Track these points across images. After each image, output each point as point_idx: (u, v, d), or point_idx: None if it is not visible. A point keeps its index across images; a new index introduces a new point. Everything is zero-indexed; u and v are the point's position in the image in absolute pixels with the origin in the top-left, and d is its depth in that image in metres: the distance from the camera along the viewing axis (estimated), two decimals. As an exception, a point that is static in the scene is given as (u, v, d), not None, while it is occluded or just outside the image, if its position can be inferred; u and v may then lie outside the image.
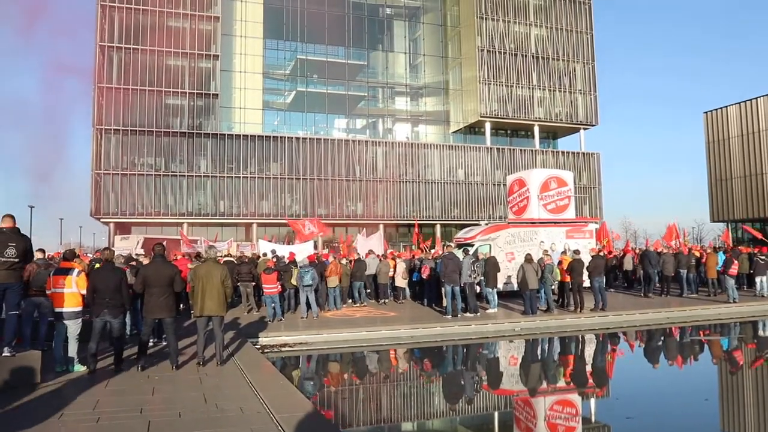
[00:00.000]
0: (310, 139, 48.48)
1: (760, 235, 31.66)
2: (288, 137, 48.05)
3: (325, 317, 16.40)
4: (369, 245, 22.81)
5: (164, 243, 11.33)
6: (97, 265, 11.51)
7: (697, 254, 23.27)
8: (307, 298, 16.17)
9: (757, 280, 20.38)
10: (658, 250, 22.39)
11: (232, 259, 20.18)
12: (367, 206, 48.92)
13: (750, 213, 60.13)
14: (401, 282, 19.91)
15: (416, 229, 32.68)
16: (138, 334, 11.15)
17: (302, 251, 21.03)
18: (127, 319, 12.27)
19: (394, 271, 19.98)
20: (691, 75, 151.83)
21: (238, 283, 17.33)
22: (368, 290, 20.31)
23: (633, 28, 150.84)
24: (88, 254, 26.53)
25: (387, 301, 19.69)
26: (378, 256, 20.97)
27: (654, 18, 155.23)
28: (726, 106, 63.39)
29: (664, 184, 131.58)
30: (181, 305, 16.87)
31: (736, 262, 19.20)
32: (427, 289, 19.16)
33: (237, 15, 49.40)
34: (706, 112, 65.74)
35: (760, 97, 59.75)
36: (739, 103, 61.92)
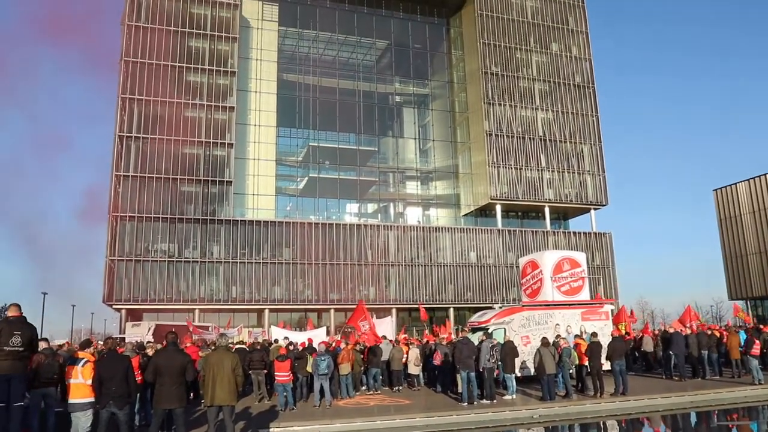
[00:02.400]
0: (322, 224, 48.89)
1: None
2: (300, 222, 48.52)
3: (338, 406, 16.02)
4: (381, 330, 22.50)
5: (175, 330, 11.27)
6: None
7: (718, 334, 22.75)
8: (321, 386, 15.86)
9: None
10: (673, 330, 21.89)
11: (243, 346, 19.95)
12: (379, 290, 48.64)
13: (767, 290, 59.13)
14: (414, 369, 19.50)
15: (422, 313, 32.37)
16: (147, 425, 10.90)
17: (316, 337, 20.82)
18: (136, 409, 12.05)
19: (407, 357, 19.63)
20: (699, 153, 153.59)
21: (250, 371, 17.04)
22: (381, 377, 19.91)
23: (638, 108, 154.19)
24: (100, 342, 26.38)
25: (401, 388, 19.24)
26: (391, 341, 20.66)
27: (658, 96, 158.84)
28: (735, 183, 63.59)
29: (680, 262, 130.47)
30: (191, 394, 16.59)
31: (757, 341, 18.71)
32: (440, 375, 18.75)
33: (251, 105, 51.11)
34: (715, 190, 65.92)
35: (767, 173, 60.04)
36: (749, 179, 62.16)
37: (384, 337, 20.91)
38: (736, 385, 18.26)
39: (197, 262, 45.32)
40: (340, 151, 53.29)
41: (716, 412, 16.27)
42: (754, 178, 61.59)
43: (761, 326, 27.65)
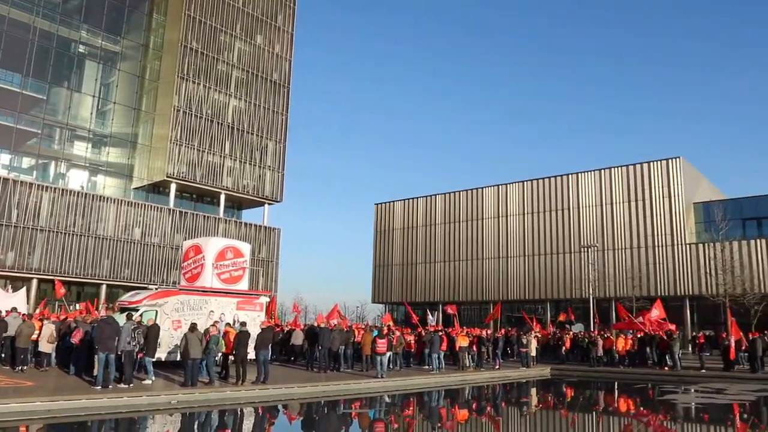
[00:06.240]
0: (-42, 170, 41.18)
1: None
2: (-73, 164, 40.14)
3: (-64, 385, 13.51)
4: (12, 302, 19.78)
5: None
6: None
7: (357, 332, 25.26)
8: None
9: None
10: (321, 326, 23.68)
11: None
12: (20, 256, 42.66)
13: (403, 297, 67.92)
14: (47, 347, 17.52)
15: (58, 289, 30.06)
16: None
17: None
18: None
19: (39, 333, 17.56)
20: (367, 171, 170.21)
21: None
22: (2, 355, 17.44)
23: (324, 117, 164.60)
24: None
25: (26, 368, 17.09)
26: (20, 314, 18.26)
27: (348, 104, 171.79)
28: (393, 201, 71.90)
29: (337, 263, 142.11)
30: None
31: (380, 341, 21.23)
32: (74, 356, 17.18)
33: None
34: (377, 204, 73.66)
35: (418, 197, 69.28)
36: (403, 200, 70.91)
37: (14, 309, 18.42)
38: (363, 378, 20.46)
39: None
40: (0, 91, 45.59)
41: (344, 400, 17.94)
42: (407, 199, 70.43)
43: (396, 328, 31.63)
